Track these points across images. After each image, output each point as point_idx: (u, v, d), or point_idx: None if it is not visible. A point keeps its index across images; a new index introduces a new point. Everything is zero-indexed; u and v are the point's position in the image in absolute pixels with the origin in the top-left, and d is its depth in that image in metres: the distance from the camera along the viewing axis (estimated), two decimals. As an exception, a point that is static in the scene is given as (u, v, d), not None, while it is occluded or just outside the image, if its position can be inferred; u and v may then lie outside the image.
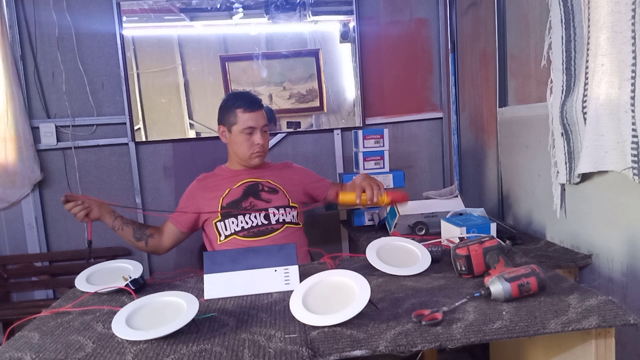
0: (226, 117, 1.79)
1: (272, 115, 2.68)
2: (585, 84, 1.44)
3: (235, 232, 1.73)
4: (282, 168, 1.92)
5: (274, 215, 1.75)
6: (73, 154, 2.60)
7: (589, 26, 1.40)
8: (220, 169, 1.89)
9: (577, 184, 1.58)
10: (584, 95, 1.44)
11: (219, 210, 1.75)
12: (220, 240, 1.75)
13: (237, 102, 1.77)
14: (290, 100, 2.70)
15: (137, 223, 1.80)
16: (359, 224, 2.25)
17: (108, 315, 1.14)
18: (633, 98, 1.23)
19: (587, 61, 1.43)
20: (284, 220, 1.76)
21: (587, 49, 1.42)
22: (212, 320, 1.07)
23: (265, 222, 1.74)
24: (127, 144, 2.64)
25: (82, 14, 2.55)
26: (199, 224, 1.81)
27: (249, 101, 1.77)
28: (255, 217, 1.73)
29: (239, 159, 1.83)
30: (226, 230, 1.74)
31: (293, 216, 1.80)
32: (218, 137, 1.89)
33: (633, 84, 1.23)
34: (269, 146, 2.69)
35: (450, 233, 1.55)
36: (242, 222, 1.73)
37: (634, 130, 1.25)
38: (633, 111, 1.24)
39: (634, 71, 1.23)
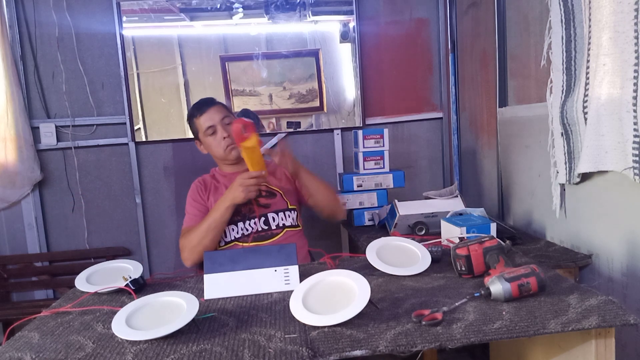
0: (192, 130, 1.85)
1: (249, 114, 2.66)
2: (586, 84, 1.44)
3: (236, 239, 1.72)
4: (276, 166, 1.89)
5: (274, 220, 1.74)
6: (73, 154, 2.60)
7: (590, 26, 1.40)
8: (215, 171, 1.89)
9: (577, 184, 1.58)
10: (585, 95, 1.44)
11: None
12: (220, 247, 1.75)
13: (191, 112, 1.83)
14: (290, 100, 2.70)
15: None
16: (359, 224, 2.25)
17: (108, 315, 1.14)
18: (635, 98, 1.23)
19: (588, 61, 1.43)
20: (283, 224, 1.75)
21: (588, 49, 1.42)
22: (212, 320, 1.07)
23: (265, 228, 1.73)
24: (127, 144, 2.64)
25: (82, 14, 2.55)
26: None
27: (198, 106, 1.81)
28: (254, 222, 1.73)
29: (222, 162, 1.85)
30: (226, 237, 1.73)
31: (293, 219, 1.79)
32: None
33: (635, 84, 1.23)
34: (269, 145, 2.70)
35: (450, 233, 1.55)
36: (242, 229, 1.72)
37: (635, 130, 1.25)
38: (635, 111, 1.24)
39: (636, 71, 1.23)
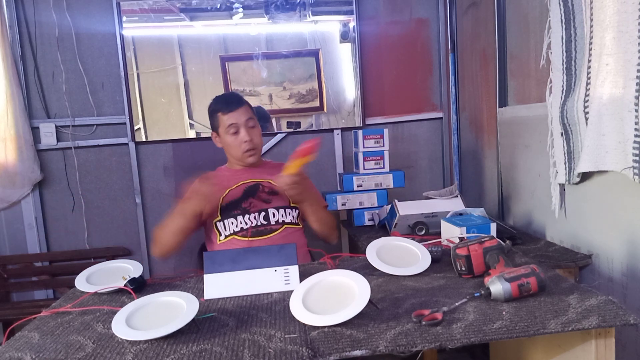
0: (212, 122, 1.83)
1: (263, 113, 2.67)
2: (587, 83, 1.43)
3: (235, 233, 1.72)
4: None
5: (274, 216, 1.75)
6: (73, 154, 2.60)
7: (591, 26, 1.40)
8: (221, 170, 1.90)
9: (576, 184, 1.58)
10: (586, 95, 1.44)
11: (219, 210, 1.75)
12: (219, 240, 1.75)
13: (216, 106, 1.81)
14: (290, 100, 2.70)
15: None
16: (359, 224, 2.25)
17: (108, 315, 1.14)
18: (637, 97, 1.23)
19: (589, 61, 1.43)
20: (283, 221, 1.76)
21: (590, 49, 1.42)
22: (212, 320, 1.07)
23: (265, 223, 1.74)
24: (127, 144, 2.64)
25: (82, 14, 2.55)
26: (202, 217, 1.79)
27: (226, 102, 1.79)
28: (254, 217, 1.73)
29: (235, 161, 1.84)
30: (225, 230, 1.74)
31: (293, 217, 1.79)
32: (218, 137, 1.89)
33: (638, 84, 1.23)
34: (269, 145, 2.70)
35: (450, 233, 1.55)
36: (241, 223, 1.73)
37: (636, 130, 1.25)
38: (637, 110, 1.24)
39: (639, 70, 1.23)
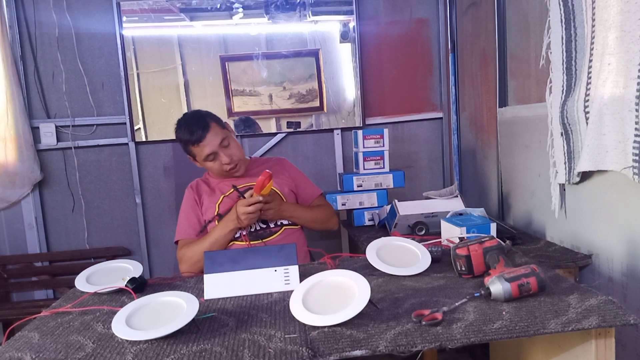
0: (185, 150, 1.78)
1: (251, 122, 2.68)
2: (588, 83, 1.43)
3: (235, 238, 1.72)
4: (273, 166, 1.88)
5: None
6: (73, 154, 2.60)
7: (593, 25, 1.40)
8: (209, 175, 1.87)
9: (576, 183, 1.58)
10: (586, 95, 1.44)
11: (216, 217, 1.74)
12: None
13: (183, 137, 1.73)
14: (290, 100, 2.70)
15: None
16: (359, 224, 2.25)
17: (108, 315, 1.14)
18: (638, 97, 1.23)
19: (590, 61, 1.43)
20: (281, 223, 1.75)
21: (592, 49, 1.42)
22: (212, 320, 1.07)
23: (264, 226, 1.74)
24: (127, 144, 2.64)
25: (82, 14, 2.55)
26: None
27: (192, 132, 1.70)
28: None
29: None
30: None
31: None
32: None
33: (639, 83, 1.23)
34: (269, 145, 2.70)
35: (450, 233, 1.55)
36: (240, 229, 1.72)
37: (637, 129, 1.24)
38: (637, 110, 1.24)
39: (640, 70, 1.23)
